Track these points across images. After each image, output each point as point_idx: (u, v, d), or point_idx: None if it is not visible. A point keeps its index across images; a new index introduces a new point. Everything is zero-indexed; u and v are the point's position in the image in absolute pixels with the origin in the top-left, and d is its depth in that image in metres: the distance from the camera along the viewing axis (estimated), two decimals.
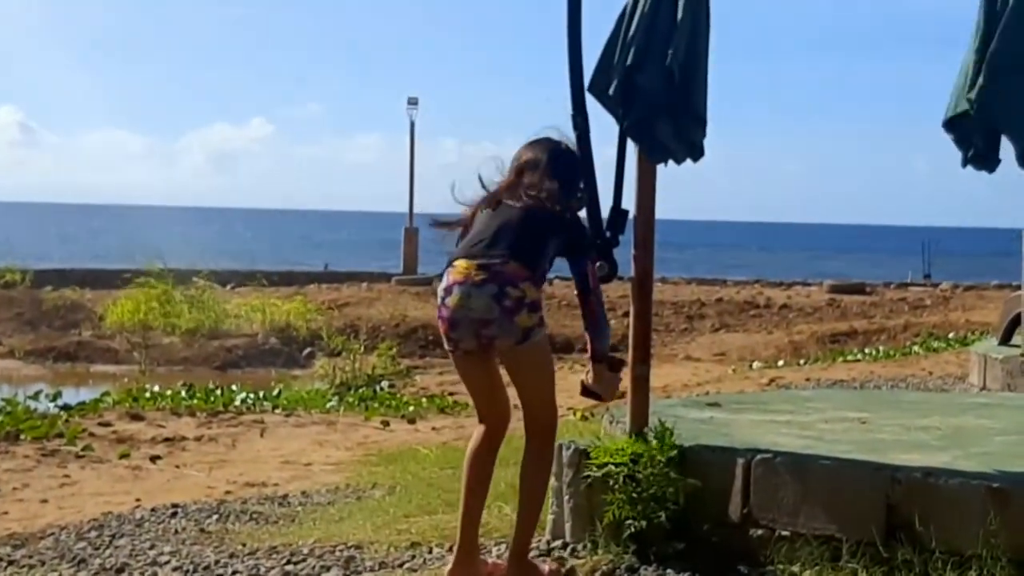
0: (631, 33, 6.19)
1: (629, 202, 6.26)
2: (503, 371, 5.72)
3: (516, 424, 5.86)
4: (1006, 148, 10.11)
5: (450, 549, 6.17)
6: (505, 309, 5.40)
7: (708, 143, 6.36)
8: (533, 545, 6.20)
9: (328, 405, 14.67)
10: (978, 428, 7.27)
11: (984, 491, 5.52)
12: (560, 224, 5.78)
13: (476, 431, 5.86)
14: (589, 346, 5.90)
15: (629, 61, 6.17)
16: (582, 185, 5.96)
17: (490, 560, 5.96)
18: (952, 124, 9.56)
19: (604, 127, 6.25)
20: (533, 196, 5.71)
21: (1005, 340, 12.98)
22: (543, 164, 5.84)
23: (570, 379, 17.14)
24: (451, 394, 16.04)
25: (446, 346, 5.70)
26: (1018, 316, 11.95)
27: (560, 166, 5.90)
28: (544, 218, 5.72)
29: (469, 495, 5.71)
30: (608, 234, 6.11)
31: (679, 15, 6.16)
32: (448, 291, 5.52)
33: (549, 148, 5.98)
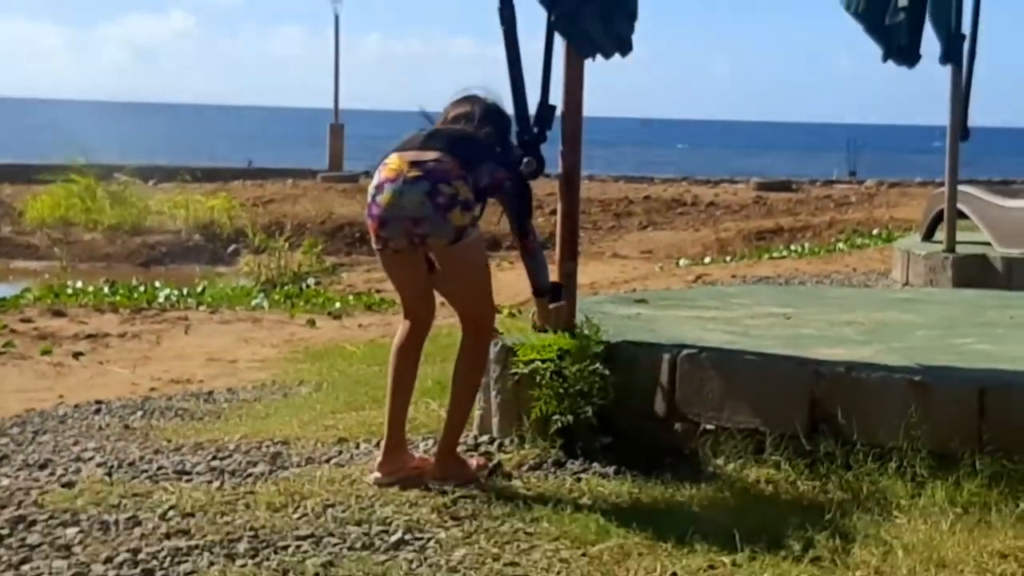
0: None
1: (556, 98, 6.27)
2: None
3: (441, 321, 5.89)
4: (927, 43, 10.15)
5: (377, 444, 6.19)
6: (438, 206, 5.36)
7: (636, 38, 6.37)
8: (460, 441, 6.25)
9: (253, 302, 14.66)
10: (900, 323, 7.37)
11: (905, 384, 5.62)
12: (495, 153, 5.77)
13: (401, 327, 5.87)
14: (530, 283, 6.00)
15: None
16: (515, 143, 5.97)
17: (417, 455, 6.00)
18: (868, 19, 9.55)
19: (531, 20, 6.23)
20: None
21: (928, 236, 13.11)
22: (476, 117, 5.80)
23: (499, 277, 17.13)
24: (378, 291, 16.04)
25: (375, 245, 5.68)
26: (940, 212, 12.03)
27: (492, 117, 5.87)
28: (481, 140, 5.72)
29: (395, 390, 5.75)
30: (535, 130, 6.12)
31: None
32: (379, 189, 5.48)
33: (481, 103, 5.90)
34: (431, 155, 5.45)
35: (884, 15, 9.78)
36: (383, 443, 5.76)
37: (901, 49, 9.91)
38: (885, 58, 9.98)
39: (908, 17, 9.89)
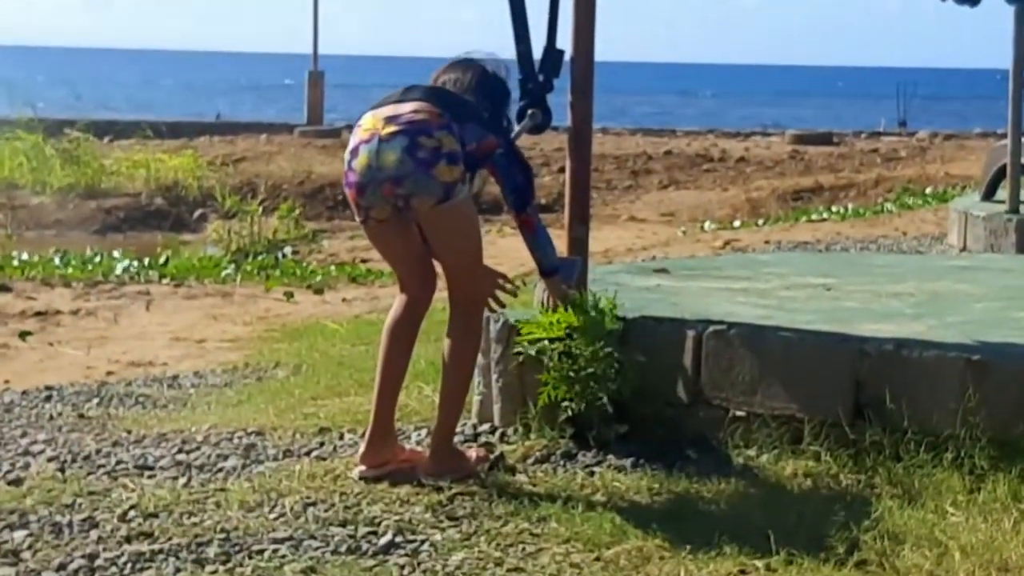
0: None
1: (565, 41, 6.27)
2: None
3: (439, 294, 5.89)
4: None
5: (363, 435, 6.22)
6: (420, 161, 5.34)
7: None
8: (458, 430, 6.26)
9: (223, 274, 14.68)
10: (957, 294, 7.37)
11: (962, 364, 5.62)
12: (483, 117, 5.70)
13: (396, 301, 5.88)
14: (536, 263, 6.01)
15: None
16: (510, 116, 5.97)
17: (408, 447, 6.01)
18: None
19: None
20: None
21: (988, 195, 13.11)
22: (468, 84, 5.81)
23: (499, 243, 17.21)
24: (364, 261, 16.07)
25: (357, 217, 5.72)
26: (1003, 168, 12.03)
27: (487, 88, 5.84)
28: (467, 100, 5.70)
29: (386, 372, 5.74)
30: (541, 77, 6.14)
31: None
32: (354, 153, 5.50)
33: (477, 69, 5.88)
34: (408, 107, 5.44)
35: None
36: (368, 432, 5.75)
37: None
38: None
39: None
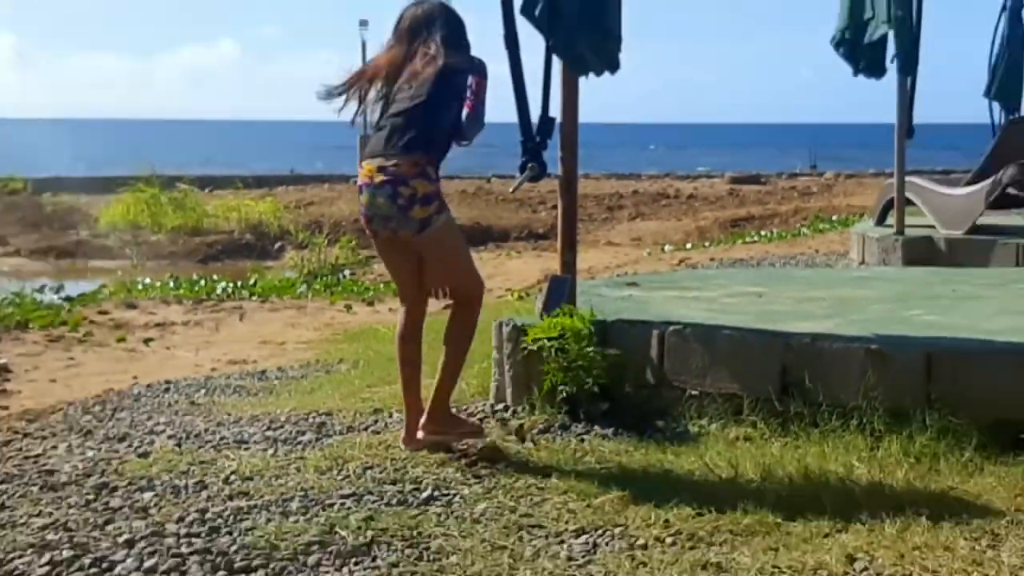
0: None
1: (555, 110, 6.30)
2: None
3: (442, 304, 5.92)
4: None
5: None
6: (400, 207, 5.39)
7: (626, 57, 6.39)
8: (479, 408, 6.28)
9: (298, 292, 14.70)
10: (857, 298, 7.37)
11: (863, 352, 5.64)
12: (459, 80, 5.59)
13: (399, 314, 5.88)
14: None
15: None
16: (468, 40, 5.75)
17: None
18: (840, 44, 9.66)
19: (533, 45, 6.25)
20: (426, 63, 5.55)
21: (880, 221, 13.09)
22: (432, 21, 5.67)
23: (507, 264, 17.13)
24: None
25: (368, 234, 5.74)
26: (891, 200, 12.04)
27: (447, 20, 5.68)
28: (437, 92, 5.52)
29: (404, 371, 5.75)
30: (538, 139, 6.16)
31: None
32: (360, 191, 5.56)
33: (435, 6, 5.73)
34: (391, 161, 5.43)
35: (859, 43, 9.86)
36: (405, 419, 5.74)
37: (871, 65, 9.96)
38: (855, 73, 10.01)
39: (882, 39, 9.99)
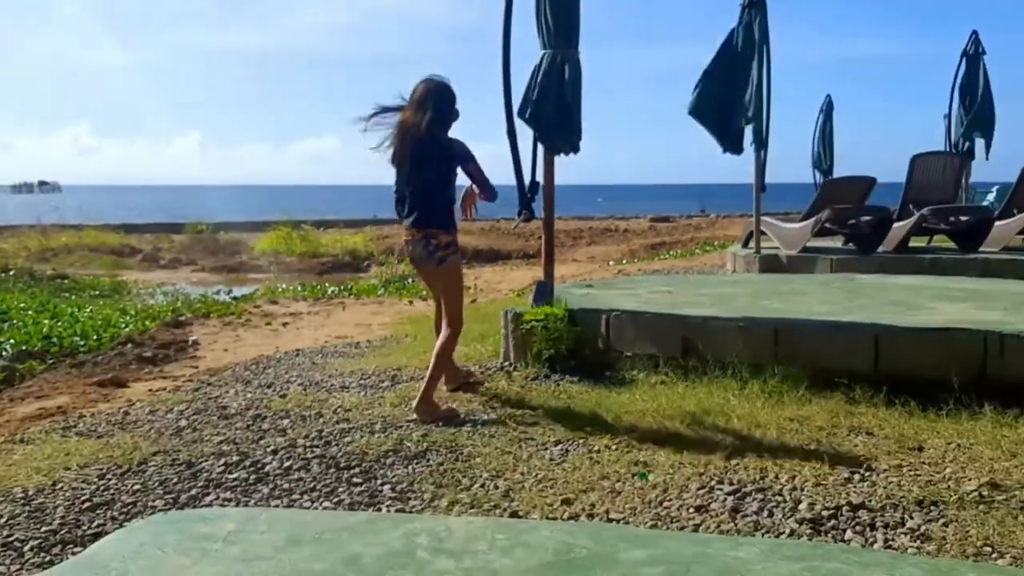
0: (537, 81, 6.21)
1: (540, 176, 6.30)
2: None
3: (484, 298, 5.89)
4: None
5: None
6: (430, 253, 5.18)
7: (583, 143, 6.39)
8: (494, 365, 6.26)
9: (379, 293, 14.65)
10: (731, 294, 7.36)
11: (735, 327, 5.63)
12: (443, 153, 5.09)
13: (436, 307, 5.61)
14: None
15: (535, 98, 6.19)
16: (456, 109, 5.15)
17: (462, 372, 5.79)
18: (706, 124, 9.56)
19: (526, 134, 6.26)
20: (420, 133, 5.03)
21: (745, 244, 13.07)
22: (424, 98, 5.07)
23: (510, 275, 16.96)
24: None
25: (415, 267, 5.51)
26: (751, 231, 12.04)
27: (433, 97, 5.07)
28: (435, 160, 5.08)
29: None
30: (529, 195, 6.16)
31: (565, 74, 6.16)
32: (407, 243, 5.29)
33: (427, 85, 5.11)
34: (422, 228, 5.17)
35: (722, 127, 9.78)
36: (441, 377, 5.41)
37: (733, 146, 9.91)
38: (724, 151, 9.97)
39: (737, 125, 9.94)
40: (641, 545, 2.57)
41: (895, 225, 11.19)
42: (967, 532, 3.35)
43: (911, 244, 11.46)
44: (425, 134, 5.03)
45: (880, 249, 11.03)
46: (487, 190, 5.22)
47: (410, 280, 18.42)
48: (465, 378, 5.72)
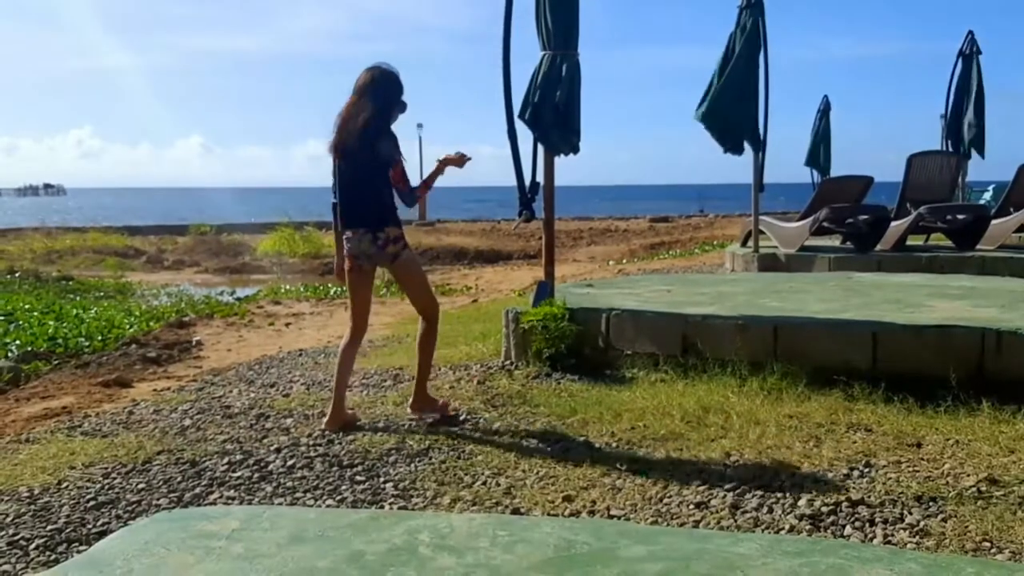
0: (537, 83, 6.21)
1: (540, 176, 6.29)
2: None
3: (486, 298, 5.87)
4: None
5: (452, 369, 6.22)
6: (379, 247, 4.82)
7: (583, 144, 6.39)
8: (495, 364, 6.25)
9: (381, 293, 14.64)
10: (730, 292, 7.35)
11: (734, 326, 5.62)
12: (380, 146, 4.72)
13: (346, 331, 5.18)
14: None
15: (535, 100, 6.19)
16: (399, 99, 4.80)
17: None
18: (713, 129, 9.56)
19: (526, 136, 6.24)
20: (357, 129, 4.68)
21: (743, 244, 13.07)
22: (365, 88, 4.74)
23: (511, 274, 16.95)
24: (447, 285, 16.03)
25: (352, 266, 4.98)
26: (750, 231, 12.04)
27: (374, 87, 4.74)
28: (372, 153, 4.72)
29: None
30: (529, 195, 6.15)
31: (564, 75, 6.16)
32: (346, 240, 4.91)
33: (371, 74, 4.76)
34: (365, 226, 4.81)
35: (725, 130, 9.81)
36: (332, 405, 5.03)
37: (734, 147, 9.91)
38: (725, 151, 9.96)
39: (737, 126, 9.93)
40: (641, 541, 2.57)
41: (893, 224, 11.19)
42: (966, 527, 3.34)
43: (908, 242, 11.45)
44: (364, 126, 4.68)
45: (878, 248, 11.03)
46: (405, 197, 4.87)
47: None
48: (442, 409, 5.09)
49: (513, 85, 6.15)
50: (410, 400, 5.12)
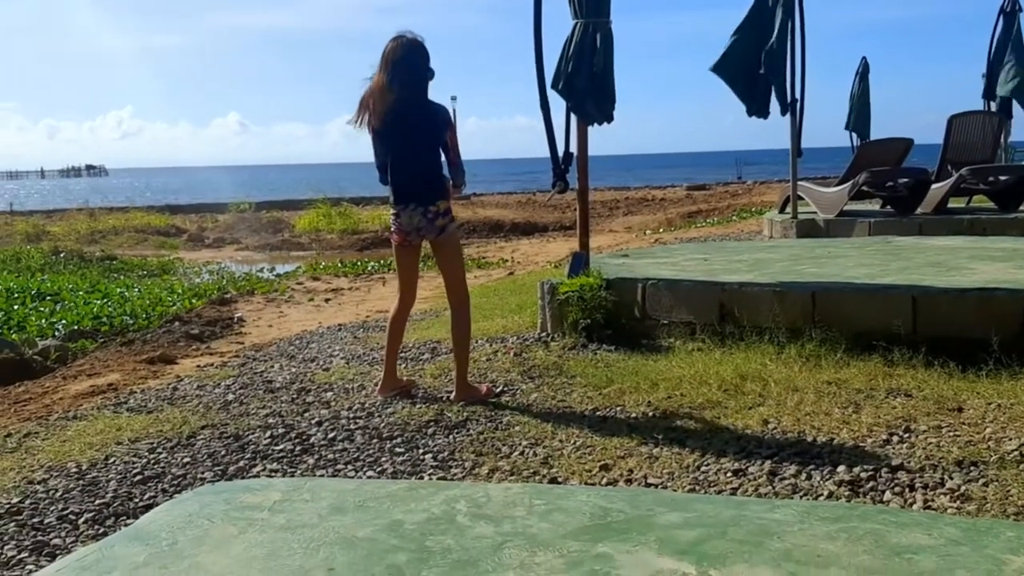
0: (570, 53, 6.15)
1: (573, 147, 6.26)
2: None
3: (522, 270, 5.87)
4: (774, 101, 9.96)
5: (488, 341, 6.23)
6: (430, 220, 4.78)
7: (616, 112, 6.33)
8: (531, 336, 6.26)
9: (420, 268, 14.71)
10: (767, 259, 7.29)
11: (771, 293, 5.58)
12: (425, 115, 4.66)
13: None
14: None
15: (569, 70, 6.13)
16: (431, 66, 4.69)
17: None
18: (738, 89, 9.35)
19: (559, 106, 6.19)
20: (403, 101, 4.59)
21: (782, 210, 12.91)
22: (396, 58, 4.62)
23: (547, 246, 16.93)
24: (483, 258, 16.05)
25: (401, 241, 4.96)
26: (788, 197, 11.90)
27: (408, 57, 4.64)
28: (418, 123, 4.66)
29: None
30: (563, 166, 6.12)
31: (597, 43, 6.10)
32: (396, 216, 4.89)
33: (397, 42, 4.65)
34: (417, 199, 4.79)
35: (749, 87, 9.64)
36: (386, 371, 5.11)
37: (759, 109, 9.76)
38: (749, 114, 9.81)
39: (763, 87, 9.74)
40: (678, 508, 2.57)
41: (933, 186, 10.99)
42: (1007, 492, 3.30)
43: (950, 205, 11.25)
44: (403, 96, 4.59)
45: (918, 211, 10.85)
46: (457, 172, 4.80)
47: None
48: (486, 396, 4.92)
49: (545, 55, 6.11)
50: (452, 394, 4.92)
